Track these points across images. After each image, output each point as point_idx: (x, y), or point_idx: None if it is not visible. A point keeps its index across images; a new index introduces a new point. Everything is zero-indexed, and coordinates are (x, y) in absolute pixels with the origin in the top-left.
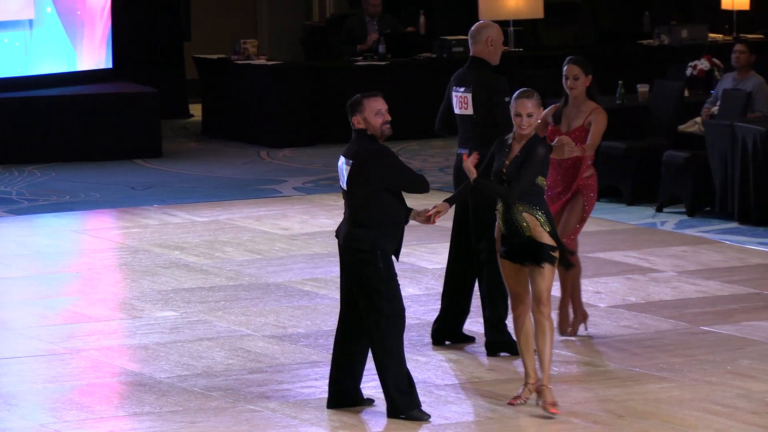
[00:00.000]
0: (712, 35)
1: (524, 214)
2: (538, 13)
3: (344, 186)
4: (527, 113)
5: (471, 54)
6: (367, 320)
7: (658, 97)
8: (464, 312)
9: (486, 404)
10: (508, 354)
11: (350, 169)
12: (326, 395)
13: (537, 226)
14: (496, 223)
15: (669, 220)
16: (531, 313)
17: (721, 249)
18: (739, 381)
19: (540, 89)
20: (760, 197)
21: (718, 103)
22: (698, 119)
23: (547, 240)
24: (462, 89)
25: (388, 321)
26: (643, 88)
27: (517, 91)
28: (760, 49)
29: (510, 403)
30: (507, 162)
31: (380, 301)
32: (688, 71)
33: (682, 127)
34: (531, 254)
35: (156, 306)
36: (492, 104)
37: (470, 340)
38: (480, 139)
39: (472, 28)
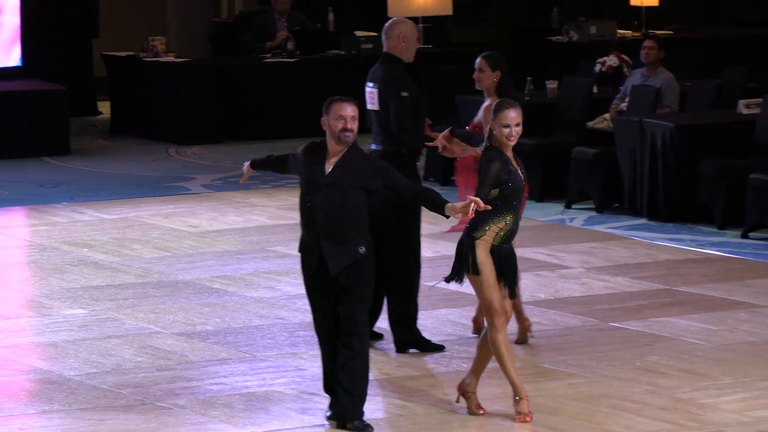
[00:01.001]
0: (620, 31)
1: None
2: (447, 9)
3: None
4: (516, 123)
5: (384, 50)
6: None
7: (567, 93)
8: (377, 310)
9: (396, 401)
10: (417, 351)
11: None
12: (234, 392)
13: None
14: (483, 239)
15: (578, 217)
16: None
17: (630, 245)
18: (648, 377)
19: (448, 86)
20: (668, 193)
21: (627, 99)
22: (607, 115)
23: None
24: (371, 85)
25: None
26: (551, 84)
27: (499, 102)
28: (669, 45)
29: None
30: (523, 176)
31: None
32: (597, 67)
33: (590, 124)
34: (511, 269)
35: (65, 303)
36: (389, 99)
37: (379, 337)
38: (387, 135)
39: (386, 24)
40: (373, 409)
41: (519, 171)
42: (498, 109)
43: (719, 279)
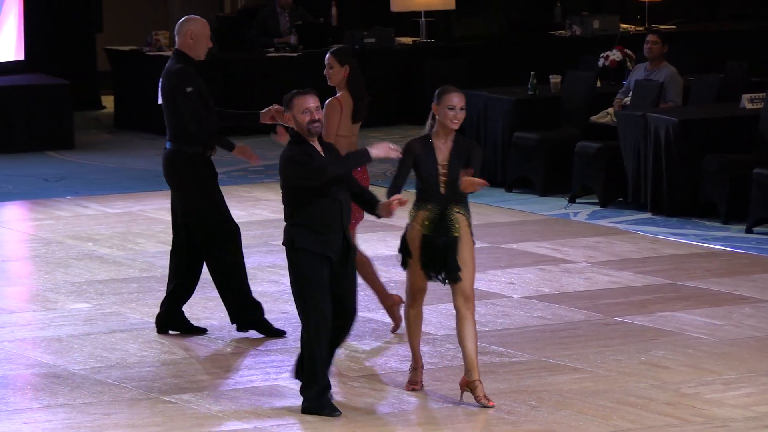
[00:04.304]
0: (623, 26)
1: (458, 215)
2: (450, 4)
3: None
4: (461, 106)
5: (175, 47)
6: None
7: (570, 87)
8: (187, 296)
9: (400, 395)
10: (259, 333)
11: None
12: (239, 387)
13: (465, 226)
14: (412, 224)
15: (582, 211)
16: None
17: (634, 239)
18: (652, 372)
19: (451, 80)
20: (672, 187)
21: (630, 94)
22: (610, 110)
23: (467, 243)
24: (160, 80)
25: (305, 319)
26: (555, 78)
27: (442, 87)
28: (672, 40)
29: (412, 389)
30: (444, 162)
31: (298, 300)
32: (600, 62)
33: (594, 118)
34: (448, 264)
35: (69, 298)
36: (174, 96)
37: (202, 331)
38: (170, 130)
39: (179, 21)
40: (375, 402)
41: (440, 163)
42: (443, 93)
43: (723, 274)
